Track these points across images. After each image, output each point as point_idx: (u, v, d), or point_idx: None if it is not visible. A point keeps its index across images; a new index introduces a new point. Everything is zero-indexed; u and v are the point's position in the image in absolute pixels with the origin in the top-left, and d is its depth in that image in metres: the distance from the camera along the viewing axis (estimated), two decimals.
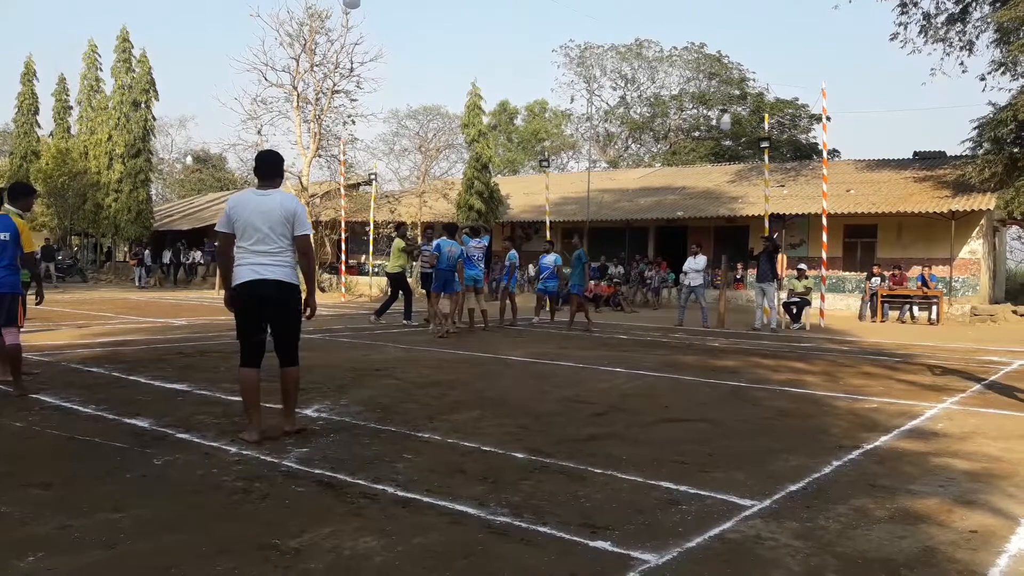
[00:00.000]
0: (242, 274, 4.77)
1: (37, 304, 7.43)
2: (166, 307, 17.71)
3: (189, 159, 57.08)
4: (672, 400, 6.83)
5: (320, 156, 28.92)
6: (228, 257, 4.92)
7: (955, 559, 3.17)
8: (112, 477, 4.05)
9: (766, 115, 24.24)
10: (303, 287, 5.02)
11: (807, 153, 39.24)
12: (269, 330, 4.93)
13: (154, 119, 35.85)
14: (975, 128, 21.72)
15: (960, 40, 22.84)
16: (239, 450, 4.62)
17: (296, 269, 4.91)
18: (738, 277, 24.18)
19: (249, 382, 4.87)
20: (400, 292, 14.46)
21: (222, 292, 5.09)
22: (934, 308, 18.59)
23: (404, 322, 14.07)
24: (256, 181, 5.02)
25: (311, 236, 4.97)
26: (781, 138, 40.56)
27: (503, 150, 50.96)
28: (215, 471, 4.19)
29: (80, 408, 5.77)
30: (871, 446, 5.14)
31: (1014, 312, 18.67)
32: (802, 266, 17.50)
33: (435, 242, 12.58)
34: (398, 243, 14.33)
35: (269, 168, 4.97)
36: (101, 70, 36.01)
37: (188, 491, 3.85)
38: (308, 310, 5.01)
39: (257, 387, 4.89)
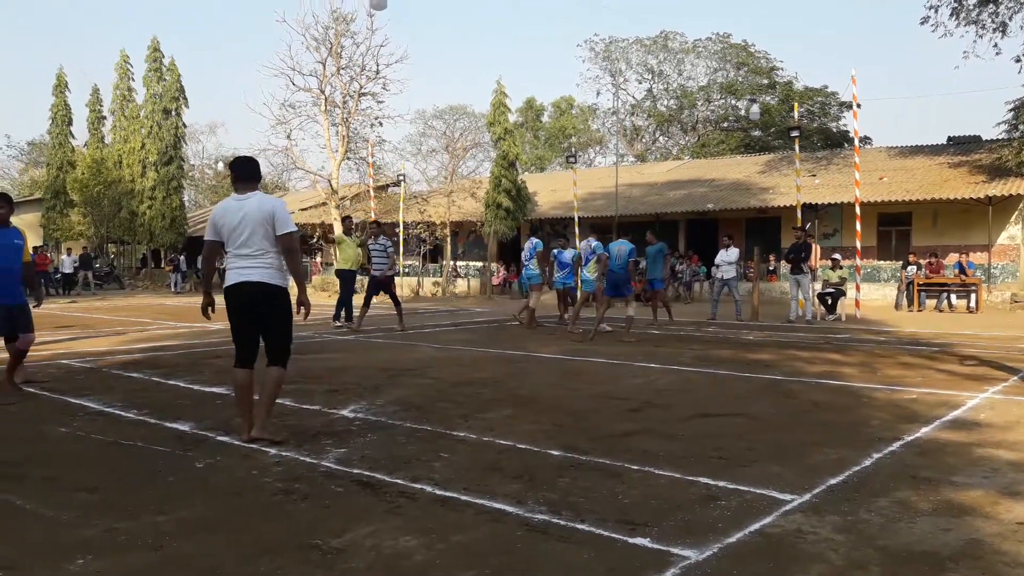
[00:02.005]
0: (229, 278, 4.86)
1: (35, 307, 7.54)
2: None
3: (220, 165, 57.71)
4: (708, 395, 6.79)
5: (349, 159, 29.16)
6: (211, 265, 5.19)
7: (1002, 551, 3.12)
8: (155, 480, 4.12)
9: (795, 104, 23.96)
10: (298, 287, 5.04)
11: (838, 141, 38.71)
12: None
13: (185, 126, 36.42)
14: (1011, 110, 21.33)
15: (993, 22, 22.33)
16: (278, 452, 4.67)
17: (283, 270, 4.92)
18: (771, 269, 23.93)
19: (241, 383, 4.92)
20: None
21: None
22: (972, 296, 18.24)
23: (334, 323, 13.24)
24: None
25: (295, 234, 4.95)
26: (811, 127, 40.02)
27: (530, 147, 50.91)
28: (255, 473, 4.25)
29: (122, 413, 5.89)
30: (912, 437, 5.06)
31: None
32: (836, 256, 17.27)
33: (591, 243, 12.23)
34: (345, 238, 13.40)
35: (244, 172, 4.98)
36: (133, 80, 36.67)
37: (230, 493, 3.91)
38: (302, 309, 4.93)
39: (249, 387, 4.93)
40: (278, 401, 5.81)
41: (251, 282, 4.78)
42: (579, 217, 24.83)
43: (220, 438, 5.04)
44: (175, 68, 35.01)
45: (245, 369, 4.92)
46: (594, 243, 12.31)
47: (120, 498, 3.82)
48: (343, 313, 13.23)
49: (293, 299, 4.94)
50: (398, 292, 14.24)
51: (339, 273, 13.32)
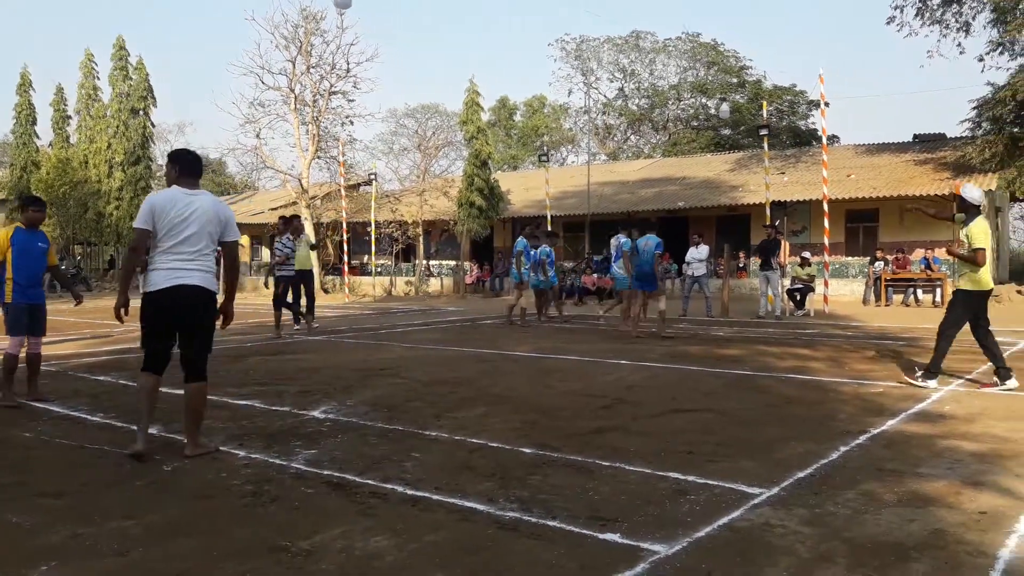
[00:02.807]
0: (158, 279, 4.49)
1: None
2: None
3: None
4: (678, 391, 6.84)
5: (319, 158, 28.97)
6: (135, 259, 4.81)
7: (965, 541, 3.17)
8: (122, 485, 4.07)
9: (764, 102, 24.19)
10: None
11: (807, 139, 39.13)
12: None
13: (153, 126, 35.98)
14: (974, 109, 21.70)
15: (957, 21, 22.77)
16: (247, 454, 4.63)
17: (215, 276, 4.67)
18: (741, 266, 24.15)
19: (147, 388, 4.57)
20: (302, 288, 12.64)
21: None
22: (938, 290, 18.55)
23: (296, 327, 12.66)
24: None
25: (239, 243, 4.75)
26: (780, 125, 40.41)
27: (503, 146, 50.88)
28: (224, 475, 4.21)
29: (88, 417, 5.80)
30: (878, 430, 5.14)
31: (1019, 292, 18.66)
32: (805, 254, 17.49)
33: (619, 239, 12.14)
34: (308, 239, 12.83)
35: (195, 168, 4.70)
36: (98, 79, 36.13)
37: (198, 496, 3.87)
38: (224, 318, 4.72)
39: (154, 394, 4.62)
40: (248, 403, 5.79)
41: (190, 285, 4.48)
42: (552, 215, 24.87)
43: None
44: (143, 67, 34.56)
45: (156, 376, 4.59)
46: (622, 239, 12.29)
47: (86, 503, 3.77)
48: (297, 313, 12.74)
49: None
50: (377, 292, 13.87)
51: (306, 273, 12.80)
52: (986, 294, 6.90)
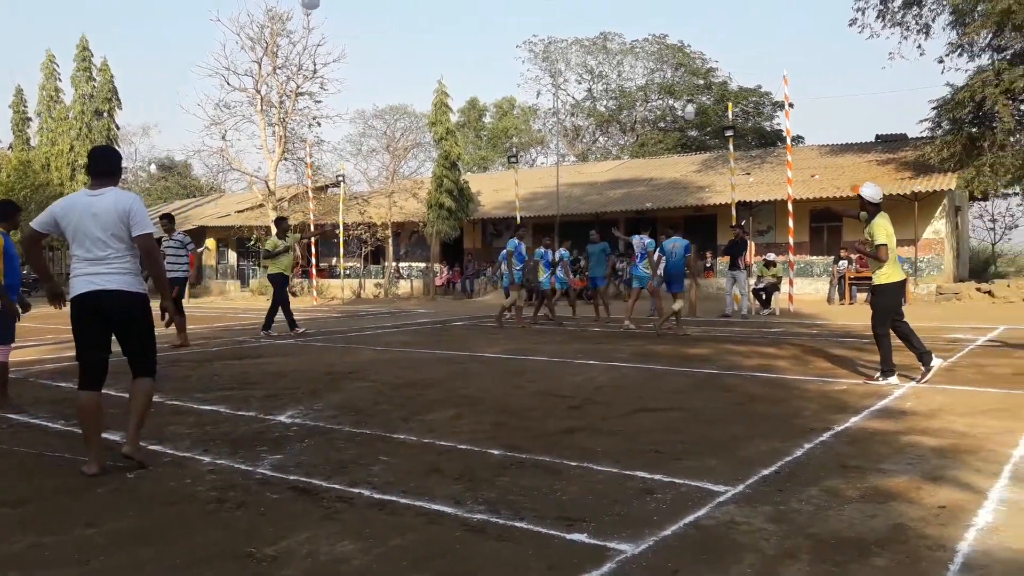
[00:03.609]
0: (77, 285, 4.28)
1: None
2: None
3: (153, 167, 56.35)
4: (646, 390, 6.88)
5: (286, 159, 28.76)
6: (35, 256, 4.65)
7: (925, 535, 3.23)
8: (84, 492, 3.99)
9: (730, 104, 24.44)
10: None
11: (772, 140, 39.59)
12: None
13: (117, 128, 35.46)
14: (934, 109, 22.08)
15: (917, 23, 23.15)
16: (212, 459, 4.58)
17: (139, 276, 4.46)
18: (708, 265, 24.38)
19: (88, 408, 4.32)
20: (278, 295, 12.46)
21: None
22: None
23: (262, 332, 12.38)
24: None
25: (152, 235, 4.41)
26: (746, 126, 40.87)
27: (473, 148, 50.83)
28: (189, 481, 4.16)
29: (49, 424, 5.70)
30: (841, 427, 5.22)
31: (978, 289, 19.03)
32: (770, 256, 17.71)
33: (644, 240, 12.36)
34: (279, 242, 12.54)
35: (104, 166, 4.45)
36: (60, 80, 35.52)
37: (162, 503, 3.81)
38: (166, 316, 4.59)
39: (98, 413, 4.38)
40: (214, 408, 5.71)
41: (107, 291, 4.26)
42: (521, 217, 24.90)
43: (152, 447, 4.90)
44: (107, 68, 34.05)
45: (94, 393, 4.35)
46: (647, 240, 12.49)
47: (47, 511, 3.70)
48: (272, 321, 12.50)
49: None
50: (346, 294, 13.70)
51: (274, 278, 12.68)
52: (902, 284, 7.22)
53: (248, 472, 4.31)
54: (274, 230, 13.92)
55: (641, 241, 12.63)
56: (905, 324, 7.05)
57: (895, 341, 7.02)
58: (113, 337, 4.43)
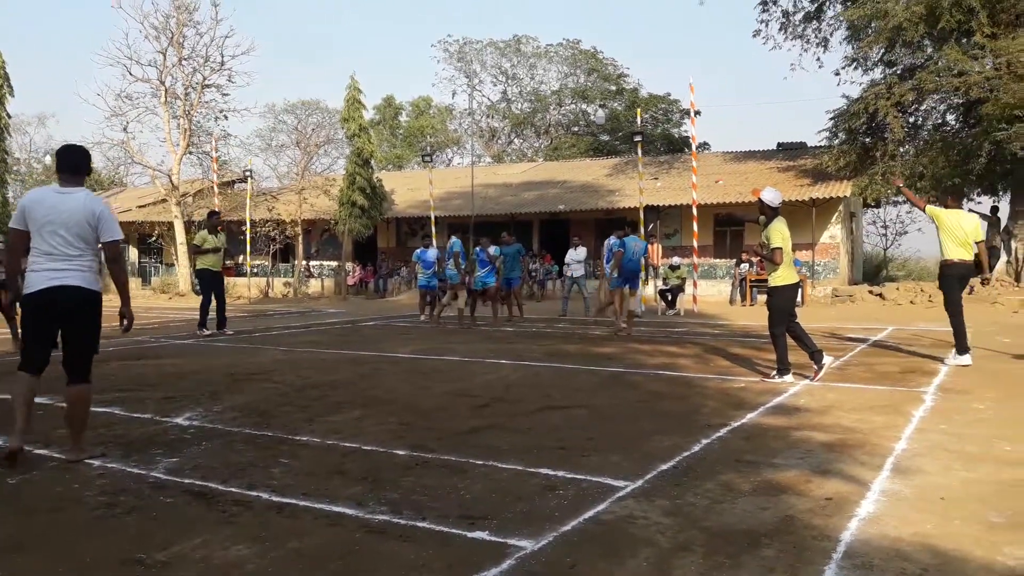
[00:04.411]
0: (35, 281, 4.34)
1: None
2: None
3: (49, 158, 53.53)
4: (554, 388, 6.95)
5: (191, 153, 27.85)
6: (18, 256, 4.65)
7: (812, 525, 3.37)
8: None
9: (639, 110, 24.95)
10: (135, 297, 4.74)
11: (679, 146, 40.63)
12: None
13: (9, 116, 33.50)
14: (831, 119, 23.09)
15: (816, 37, 24.21)
16: (103, 463, 4.39)
17: (99, 275, 4.52)
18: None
19: (30, 386, 4.42)
20: (211, 292, 12.22)
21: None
22: (799, 291, 19.64)
23: (200, 331, 12.07)
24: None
25: (119, 242, 4.54)
26: (655, 132, 41.81)
27: (388, 146, 50.30)
28: (76, 486, 3.97)
29: None
30: (738, 423, 5.40)
31: (871, 292, 20.00)
32: (675, 260, 18.20)
33: (610, 241, 12.28)
34: (208, 236, 12.15)
35: (71, 163, 4.51)
36: None
37: (46, 509, 3.63)
38: (125, 322, 4.56)
39: (31, 395, 4.46)
40: (107, 410, 5.48)
41: (68, 286, 4.32)
42: (436, 216, 24.79)
43: (38, 451, 4.67)
44: None
45: (33, 376, 4.43)
46: (613, 240, 12.48)
47: None
48: (207, 319, 12.15)
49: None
50: (252, 293, 13.32)
51: (201, 273, 12.26)
52: (796, 286, 7.52)
53: (141, 476, 4.15)
54: (193, 226, 13.34)
55: (608, 242, 12.75)
56: (797, 325, 7.35)
57: (791, 341, 7.31)
58: None
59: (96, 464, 4.38)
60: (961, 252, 8.20)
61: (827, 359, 7.26)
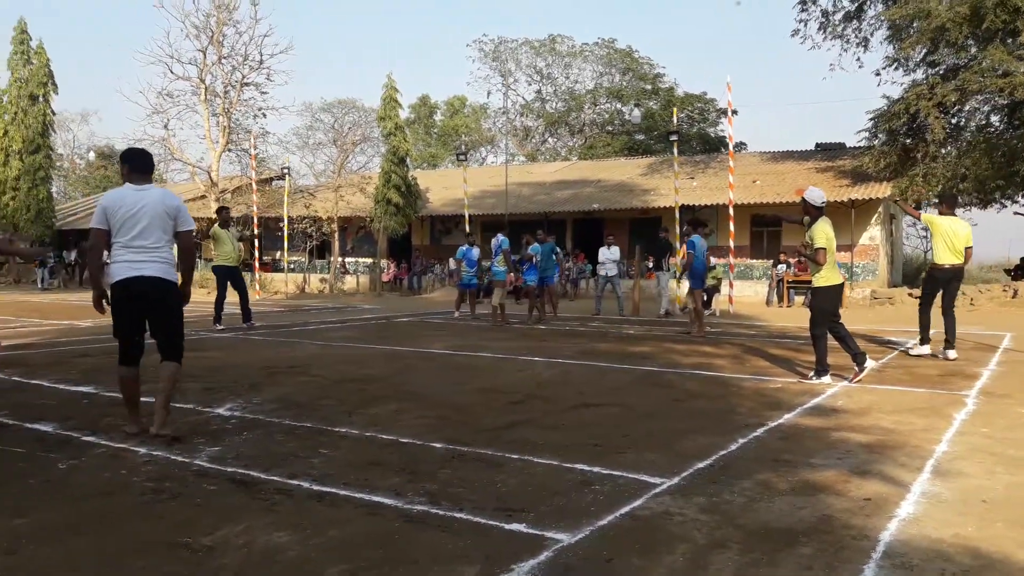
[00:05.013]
0: (118, 271, 4.70)
1: None
2: (70, 308, 17.00)
3: (92, 155, 54.68)
4: (588, 386, 6.96)
5: (230, 150, 28.26)
6: (100, 253, 4.94)
7: (850, 525, 3.35)
8: (13, 483, 3.89)
9: (675, 109, 24.81)
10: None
11: (716, 146, 40.31)
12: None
13: (53, 114, 34.30)
14: (871, 120, 22.76)
15: (856, 37, 23.85)
16: (148, 451, 4.50)
17: (174, 265, 4.89)
18: (651, 267, 24.71)
19: (127, 381, 4.87)
20: (232, 288, 12.33)
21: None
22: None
23: (216, 326, 12.06)
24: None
25: (193, 231, 5.02)
26: (691, 132, 41.55)
27: (423, 144, 50.58)
28: (123, 472, 4.08)
29: None
30: (775, 423, 5.37)
31: (910, 295, 19.66)
32: (711, 259, 18.05)
33: (690, 239, 12.12)
34: (222, 232, 12.17)
35: (144, 164, 4.95)
36: None
37: (95, 494, 3.74)
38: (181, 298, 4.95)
39: (136, 383, 4.91)
40: (148, 400, 5.59)
41: (147, 276, 4.68)
42: (470, 215, 24.90)
43: (86, 438, 4.81)
44: (43, 52, 32.87)
45: (133, 368, 4.86)
46: (696, 238, 12.28)
47: None
48: (222, 314, 12.33)
49: None
50: (289, 288, 13.50)
51: (215, 269, 12.44)
52: (839, 288, 7.44)
53: (185, 464, 4.25)
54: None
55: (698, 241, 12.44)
56: (842, 326, 7.27)
57: (832, 343, 7.23)
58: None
59: (142, 452, 4.49)
60: (952, 258, 8.76)
61: (869, 363, 7.17)
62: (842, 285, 7.54)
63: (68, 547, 3.06)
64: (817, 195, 7.34)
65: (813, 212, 7.31)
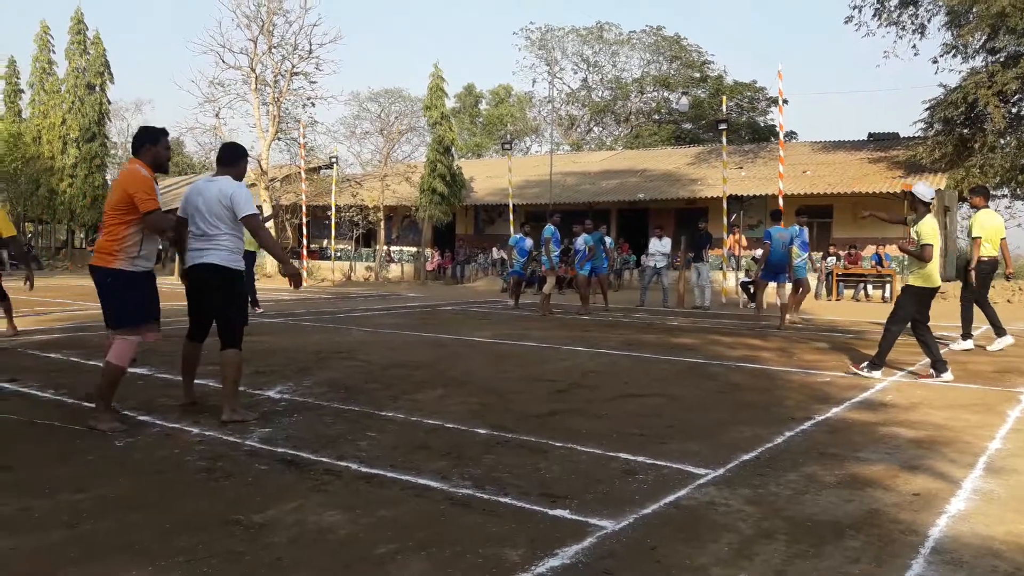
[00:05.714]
0: (188, 259, 4.98)
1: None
2: None
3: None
4: (632, 377, 6.95)
5: (280, 139, 28.65)
6: (180, 240, 5.12)
7: (898, 520, 3.31)
8: (72, 459, 4.04)
9: (724, 98, 24.46)
10: (278, 264, 5.20)
11: (765, 135, 39.65)
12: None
13: (109, 103, 35.16)
14: (927, 109, 22.15)
15: (912, 23, 23.20)
16: (201, 431, 4.63)
17: (238, 253, 4.99)
18: (691, 258, 24.47)
19: (187, 353, 5.25)
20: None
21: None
22: (888, 286, 19.04)
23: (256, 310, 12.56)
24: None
25: (257, 215, 5.02)
26: (739, 121, 40.91)
27: (468, 134, 50.69)
28: (177, 451, 4.21)
29: (38, 393, 5.73)
30: (822, 417, 5.31)
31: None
32: (758, 252, 17.81)
33: (766, 231, 11.85)
34: None
35: (222, 154, 5.12)
36: (54, 52, 35.09)
37: (150, 471, 3.86)
38: (292, 282, 5.08)
39: (194, 358, 5.26)
40: (201, 381, 5.75)
41: (204, 264, 4.86)
42: (514, 204, 24.91)
43: (141, 418, 4.96)
44: (99, 42, 33.71)
45: (194, 342, 5.22)
46: (796, 229, 11.97)
47: (35, 477, 3.74)
48: (256, 297, 12.80)
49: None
50: (336, 276, 13.68)
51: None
52: (934, 291, 7.13)
53: (237, 444, 4.36)
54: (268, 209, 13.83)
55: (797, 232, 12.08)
56: (928, 331, 6.99)
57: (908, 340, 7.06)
58: None
59: (195, 432, 4.62)
60: (992, 250, 8.89)
61: (948, 375, 6.83)
62: (936, 289, 7.15)
63: (125, 522, 3.17)
64: (925, 190, 7.04)
65: (920, 208, 7.07)
